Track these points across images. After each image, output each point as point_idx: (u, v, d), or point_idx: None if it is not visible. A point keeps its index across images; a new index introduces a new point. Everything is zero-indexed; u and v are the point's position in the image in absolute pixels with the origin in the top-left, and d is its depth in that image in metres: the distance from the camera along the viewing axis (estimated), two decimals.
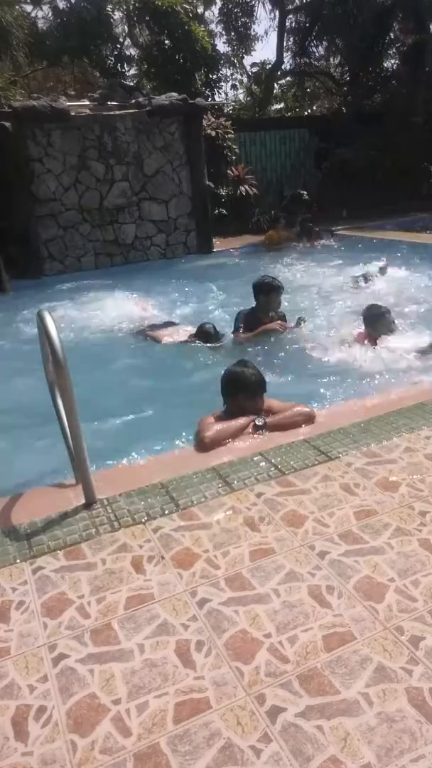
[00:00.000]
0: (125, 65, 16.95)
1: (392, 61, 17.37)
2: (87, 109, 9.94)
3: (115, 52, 16.41)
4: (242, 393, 3.32)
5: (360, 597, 1.95)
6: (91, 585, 2.09)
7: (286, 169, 15.13)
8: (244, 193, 12.88)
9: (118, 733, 1.55)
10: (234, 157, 13.06)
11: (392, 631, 1.80)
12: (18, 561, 2.25)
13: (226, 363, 3.78)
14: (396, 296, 6.75)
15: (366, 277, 7.48)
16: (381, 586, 1.99)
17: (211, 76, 15.95)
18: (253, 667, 1.71)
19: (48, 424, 2.95)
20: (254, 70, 21.11)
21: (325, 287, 7.67)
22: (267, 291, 5.43)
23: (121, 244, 10.49)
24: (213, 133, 12.07)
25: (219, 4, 18.27)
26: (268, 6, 17.89)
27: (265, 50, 42.32)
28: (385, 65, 17.30)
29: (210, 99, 15.39)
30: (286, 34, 17.78)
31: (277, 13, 17.67)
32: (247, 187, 12.93)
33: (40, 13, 16.25)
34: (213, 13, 18.74)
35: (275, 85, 20.68)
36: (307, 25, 17.02)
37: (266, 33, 28.38)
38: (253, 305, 5.52)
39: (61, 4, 15.46)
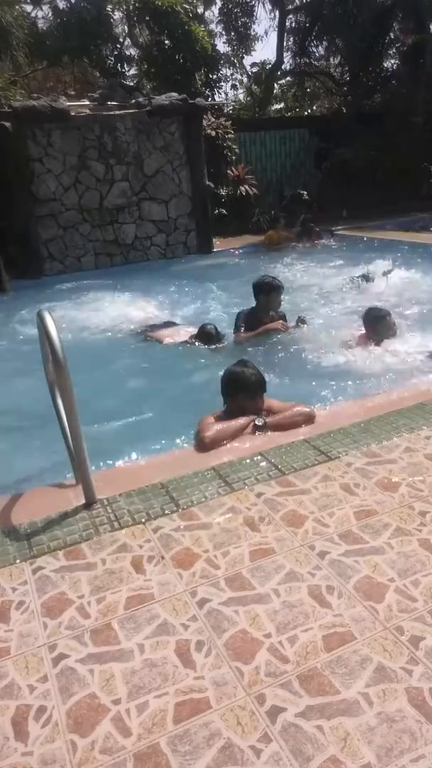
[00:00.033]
0: (125, 65, 16.97)
1: (392, 61, 17.39)
2: (87, 109, 9.94)
3: (115, 52, 16.41)
4: (242, 393, 3.32)
5: (360, 597, 1.95)
6: (91, 585, 2.09)
7: (286, 169, 15.13)
8: (244, 193, 12.87)
9: (118, 733, 1.55)
10: (234, 157, 13.05)
11: (392, 631, 1.80)
12: (18, 561, 2.25)
13: (226, 363, 3.78)
14: (397, 296, 6.75)
15: (367, 278, 7.47)
16: (381, 586, 1.99)
17: (211, 76, 15.95)
18: (253, 667, 1.71)
19: (48, 424, 2.95)
20: (254, 70, 21.14)
21: (325, 287, 7.67)
22: (267, 290, 5.43)
23: (121, 244, 10.49)
24: (213, 133, 12.07)
25: (219, 4, 18.30)
26: (268, 6, 17.93)
27: (265, 50, 42.38)
28: (385, 65, 17.32)
29: (210, 99, 15.39)
30: (286, 34, 17.78)
31: (277, 13, 17.68)
32: (247, 187, 12.93)
33: (40, 13, 16.30)
34: (213, 13, 18.78)
35: (275, 85, 20.68)
36: (307, 25, 17.02)
37: (266, 33, 28.44)
38: (254, 305, 5.52)
39: (61, 4, 15.50)
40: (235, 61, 20.21)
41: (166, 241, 10.97)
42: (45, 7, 15.98)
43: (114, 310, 7.00)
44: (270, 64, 19.33)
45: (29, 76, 16.07)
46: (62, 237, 9.97)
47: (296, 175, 14.95)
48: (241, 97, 21.82)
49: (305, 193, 13.54)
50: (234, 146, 13.00)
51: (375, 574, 2.05)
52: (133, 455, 3.14)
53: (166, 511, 2.49)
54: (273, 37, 22.66)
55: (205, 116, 11.46)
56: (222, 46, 18.69)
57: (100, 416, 3.84)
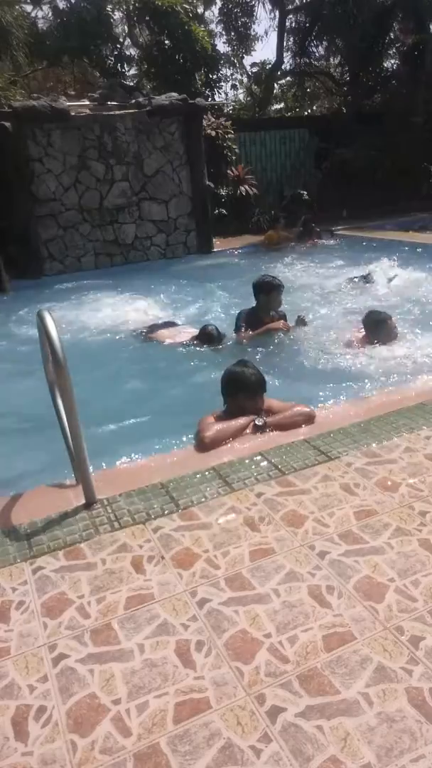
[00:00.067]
0: (125, 65, 16.97)
1: (392, 61, 17.39)
2: (87, 109, 9.94)
3: (115, 52, 16.41)
4: (242, 393, 3.32)
5: (360, 597, 1.95)
6: (91, 585, 2.09)
7: (286, 169, 15.13)
8: (244, 193, 12.87)
9: (118, 733, 1.55)
10: (234, 157, 13.05)
11: (392, 631, 1.80)
12: (18, 561, 2.25)
13: (227, 363, 3.78)
14: (397, 297, 6.75)
15: (367, 279, 7.47)
16: (381, 586, 1.99)
17: (211, 76, 15.95)
18: (253, 667, 1.71)
19: (48, 424, 2.94)
20: (254, 70, 21.15)
21: (326, 287, 7.67)
22: (267, 290, 5.43)
23: (121, 244, 10.49)
24: (213, 133, 12.07)
25: (219, 4, 18.30)
26: (268, 6, 17.93)
27: (265, 50, 42.45)
28: (385, 65, 17.31)
29: (210, 99, 15.39)
30: (286, 34, 17.78)
31: (277, 13, 17.68)
32: (247, 187, 12.93)
33: (40, 13, 16.30)
34: (213, 13, 18.79)
35: (275, 85, 20.69)
36: (307, 25, 17.02)
37: (266, 33, 28.50)
38: (254, 305, 5.52)
39: (61, 4, 15.50)
40: (235, 61, 20.22)
41: (166, 241, 10.97)
42: (45, 7, 16.02)
43: (114, 310, 7.01)
44: (270, 64, 19.35)
45: (29, 76, 16.07)
46: (62, 237, 9.98)
47: (296, 175, 14.95)
48: (241, 97, 21.87)
49: (305, 193, 13.53)
50: (234, 146, 13.00)
51: (375, 574, 2.05)
52: (133, 455, 3.14)
53: (166, 511, 2.49)
54: (273, 37, 22.78)
55: (205, 116, 11.46)
56: (222, 46, 18.75)
57: (100, 416, 3.84)
